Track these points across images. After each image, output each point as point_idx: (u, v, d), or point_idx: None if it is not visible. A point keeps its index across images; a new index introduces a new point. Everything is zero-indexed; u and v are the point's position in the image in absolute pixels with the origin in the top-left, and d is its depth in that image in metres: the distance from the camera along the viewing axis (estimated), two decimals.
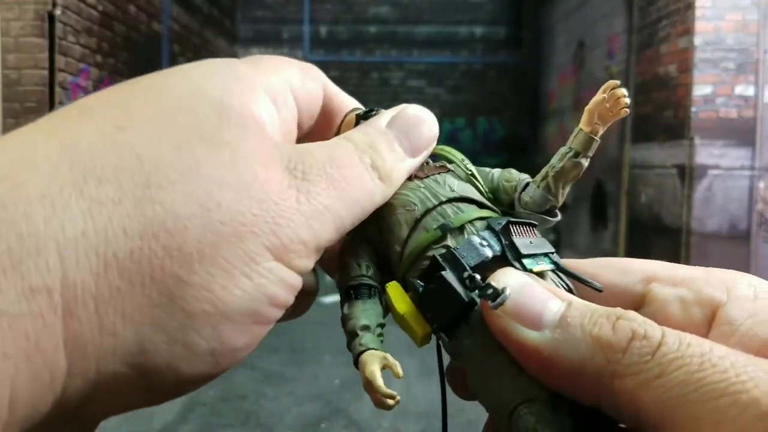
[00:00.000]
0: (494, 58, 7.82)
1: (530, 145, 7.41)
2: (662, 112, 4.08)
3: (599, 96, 0.35)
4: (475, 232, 0.32)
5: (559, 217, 0.37)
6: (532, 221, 0.33)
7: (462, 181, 0.37)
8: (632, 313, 0.23)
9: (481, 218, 0.33)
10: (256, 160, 0.24)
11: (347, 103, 0.35)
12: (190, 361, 0.23)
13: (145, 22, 5.07)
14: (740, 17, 3.70)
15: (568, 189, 0.37)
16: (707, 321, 0.26)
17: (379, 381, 0.29)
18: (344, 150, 0.28)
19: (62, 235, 0.20)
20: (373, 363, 0.31)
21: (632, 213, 4.54)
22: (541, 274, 0.30)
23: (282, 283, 0.25)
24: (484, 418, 0.30)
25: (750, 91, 3.70)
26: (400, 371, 0.30)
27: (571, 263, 0.32)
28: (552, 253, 0.31)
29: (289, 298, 0.25)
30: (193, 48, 6.22)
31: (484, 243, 0.31)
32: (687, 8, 3.78)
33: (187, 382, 0.23)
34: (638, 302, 0.28)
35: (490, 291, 0.27)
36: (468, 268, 0.30)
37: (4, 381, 0.18)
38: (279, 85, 0.30)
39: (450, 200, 0.34)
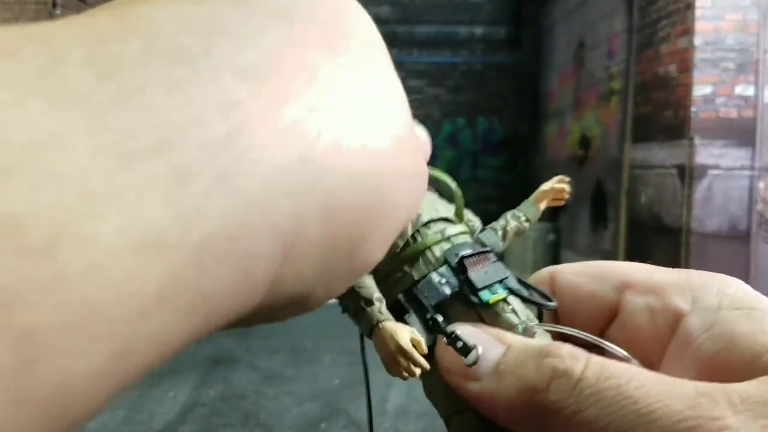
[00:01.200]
0: (494, 58, 7.82)
1: (530, 145, 7.41)
2: (662, 112, 4.08)
3: (550, 185, 0.38)
4: (437, 264, 0.33)
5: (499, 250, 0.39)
6: (486, 249, 0.34)
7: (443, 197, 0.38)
8: (562, 349, 0.23)
9: (446, 238, 0.34)
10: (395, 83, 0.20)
11: None
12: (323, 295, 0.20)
13: None
14: (740, 17, 3.70)
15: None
16: (671, 331, 0.26)
17: (412, 351, 0.31)
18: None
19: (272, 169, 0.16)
20: (404, 334, 0.32)
21: (632, 213, 4.54)
22: (499, 302, 0.31)
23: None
24: None
25: (750, 91, 3.70)
26: (425, 347, 0.32)
27: (555, 269, 0.32)
28: (506, 278, 0.33)
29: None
30: None
31: (443, 280, 0.33)
32: (687, 8, 3.78)
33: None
34: (613, 310, 0.28)
35: (459, 345, 0.28)
36: (430, 308, 0.31)
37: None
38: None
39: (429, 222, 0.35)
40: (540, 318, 0.32)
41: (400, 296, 0.33)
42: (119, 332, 0.12)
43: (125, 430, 2.60)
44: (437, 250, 0.34)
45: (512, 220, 0.38)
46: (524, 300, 0.32)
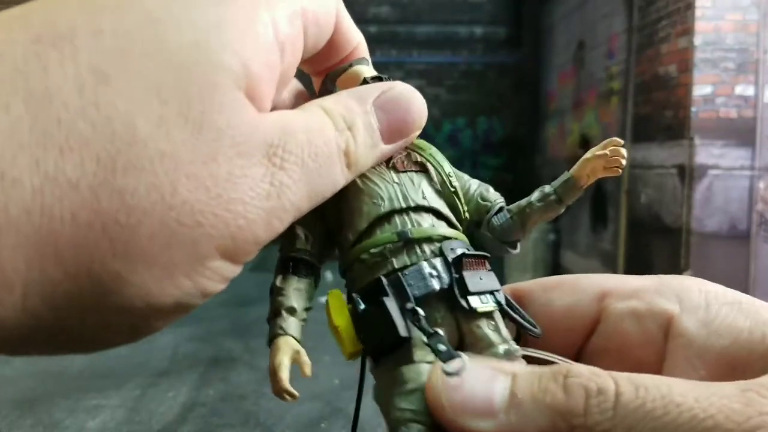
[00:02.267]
0: (494, 58, 7.82)
1: (530, 145, 7.40)
2: (662, 112, 4.08)
3: (600, 150, 0.34)
4: (428, 257, 0.31)
5: (517, 251, 0.36)
6: (485, 253, 0.32)
7: (436, 188, 0.35)
8: (577, 368, 0.22)
9: (441, 237, 0.32)
10: (238, 150, 0.22)
11: (353, 38, 0.32)
12: (105, 339, 0.22)
13: None
14: (740, 17, 3.70)
15: (533, 229, 0.36)
16: (663, 333, 0.25)
17: (284, 374, 0.29)
18: (323, 133, 0.26)
19: (4, 216, 0.18)
20: (285, 353, 0.30)
21: (632, 213, 4.54)
22: (486, 314, 0.29)
23: (222, 278, 0.24)
24: None
25: (750, 91, 3.70)
26: (309, 371, 0.30)
27: (520, 287, 0.31)
28: (497, 291, 0.30)
29: (222, 287, 0.24)
30: None
31: (434, 273, 0.30)
32: (687, 8, 3.78)
33: (100, 348, 0.23)
34: (594, 320, 0.28)
35: (441, 348, 0.26)
36: (412, 299, 0.29)
37: None
38: (289, 19, 0.25)
39: (418, 208, 0.33)
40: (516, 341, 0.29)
41: (384, 279, 0.30)
42: None
43: (125, 430, 2.60)
44: (430, 243, 0.32)
45: (536, 198, 0.36)
46: (513, 320, 0.30)
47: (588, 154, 0.35)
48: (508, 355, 0.28)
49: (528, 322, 0.29)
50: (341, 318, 0.31)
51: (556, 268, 5.69)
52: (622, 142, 0.34)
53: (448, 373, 0.24)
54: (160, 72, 0.20)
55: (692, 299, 0.25)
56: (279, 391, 0.29)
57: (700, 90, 3.70)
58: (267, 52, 0.24)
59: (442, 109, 7.77)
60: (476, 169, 7.70)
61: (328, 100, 0.28)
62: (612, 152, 0.34)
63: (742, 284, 3.51)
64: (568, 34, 6.16)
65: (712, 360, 0.23)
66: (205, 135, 0.21)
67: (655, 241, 4.09)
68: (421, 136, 0.35)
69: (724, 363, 0.23)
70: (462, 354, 0.26)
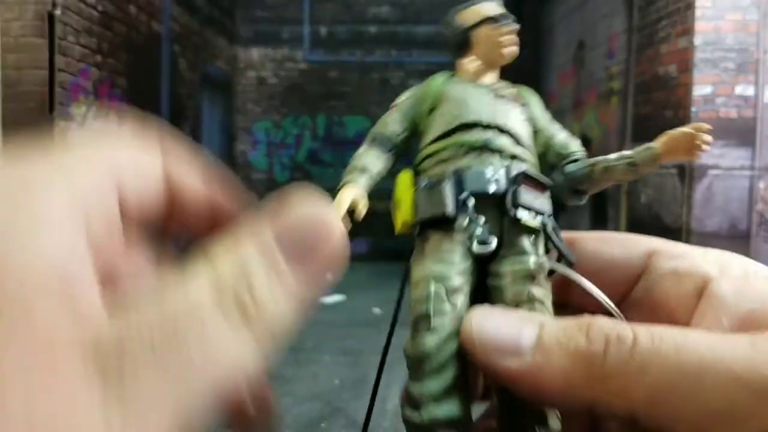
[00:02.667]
0: None
1: None
2: (662, 112, 4.08)
3: (688, 129, 0.39)
4: (497, 166, 0.35)
5: (582, 202, 0.41)
6: (547, 181, 0.36)
7: (525, 121, 0.40)
8: (600, 319, 0.24)
9: (514, 155, 0.36)
10: (45, 371, 0.15)
11: (197, 188, 0.24)
12: None
13: (145, 22, 5.08)
14: (740, 17, 3.70)
15: (603, 187, 0.41)
16: (698, 294, 0.27)
17: (342, 208, 0.37)
18: (194, 301, 0.18)
19: None
20: (347, 194, 0.38)
21: (632, 213, 4.54)
22: (528, 229, 0.33)
23: None
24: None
25: (750, 91, 3.70)
26: (362, 214, 0.37)
27: (574, 234, 0.33)
28: (548, 215, 0.34)
29: None
30: (193, 48, 6.22)
31: (493, 178, 0.34)
32: (687, 8, 3.78)
33: None
34: (638, 274, 0.30)
35: (479, 232, 0.31)
36: (467, 191, 0.34)
37: None
38: (93, 182, 0.20)
39: (501, 129, 0.37)
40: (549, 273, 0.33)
41: (452, 170, 0.35)
42: None
43: None
44: (503, 158, 0.36)
45: (614, 157, 0.42)
46: (553, 244, 0.33)
47: (674, 131, 0.38)
48: (537, 266, 0.32)
49: (566, 250, 0.32)
50: (404, 192, 0.35)
51: None
52: (709, 127, 0.39)
53: (480, 243, 0.30)
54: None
55: (732, 269, 0.27)
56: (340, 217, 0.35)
57: (700, 90, 3.70)
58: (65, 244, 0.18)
59: None
60: None
61: (211, 254, 0.19)
62: (697, 135, 0.39)
63: None
64: (568, 34, 6.16)
65: (737, 319, 0.25)
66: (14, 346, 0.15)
67: None
68: None
69: (749, 322, 0.24)
70: (492, 237, 0.31)
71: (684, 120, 3.77)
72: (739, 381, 0.21)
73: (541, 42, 7.09)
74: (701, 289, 0.27)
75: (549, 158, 0.42)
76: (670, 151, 0.40)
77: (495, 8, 0.44)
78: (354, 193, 0.37)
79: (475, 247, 0.32)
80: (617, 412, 0.23)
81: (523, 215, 0.33)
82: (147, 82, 5.13)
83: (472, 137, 0.37)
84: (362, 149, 0.40)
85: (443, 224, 0.33)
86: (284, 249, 0.19)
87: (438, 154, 0.36)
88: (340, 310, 4.26)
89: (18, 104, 3.64)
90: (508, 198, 0.33)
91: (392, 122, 0.41)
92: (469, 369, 0.29)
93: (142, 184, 0.22)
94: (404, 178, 0.36)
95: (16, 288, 0.16)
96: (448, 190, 0.33)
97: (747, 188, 3.70)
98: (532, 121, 0.41)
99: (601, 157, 0.41)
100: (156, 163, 0.23)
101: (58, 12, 3.66)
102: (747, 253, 3.67)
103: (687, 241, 3.73)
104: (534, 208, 0.34)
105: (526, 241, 0.33)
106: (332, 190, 0.42)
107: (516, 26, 0.43)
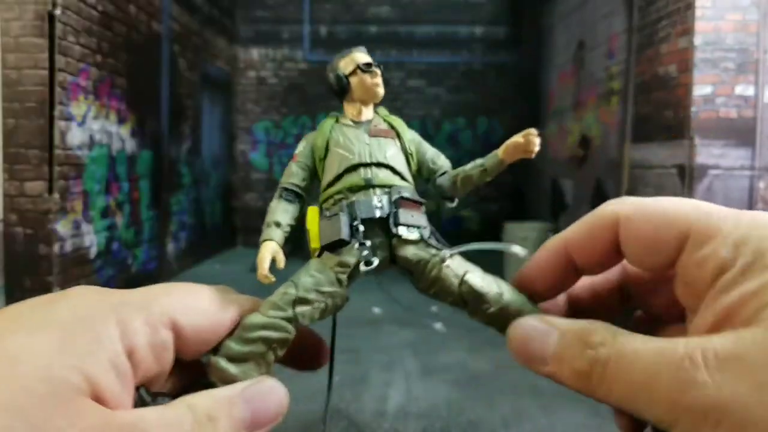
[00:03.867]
0: (494, 58, 7.82)
1: None
2: (662, 112, 4.08)
3: (517, 139, 0.53)
4: (380, 195, 0.46)
5: (454, 204, 0.54)
6: (421, 200, 0.47)
7: (398, 150, 0.51)
8: (596, 335, 0.31)
9: (392, 185, 0.47)
10: None
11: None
12: None
13: (145, 22, 5.07)
14: (740, 17, 3.70)
15: (468, 190, 0.54)
16: (713, 280, 0.29)
17: (265, 264, 0.46)
18: (180, 427, 0.29)
19: None
20: (268, 251, 0.47)
21: None
22: (412, 241, 0.44)
23: None
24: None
25: (750, 91, 3.70)
26: (282, 265, 0.46)
27: (608, 215, 0.35)
28: (424, 227, 0.45)
29: None
30: (193, 48, 6.21)
31: (378, 205, 0.45)
32: (687, 8, 3.78)
33: None
34: (675, 257, 0.32)
35: (365, 253, 0.42)
36: (358, 219, 0.44)
37: None
38: (149, 329, 0.31)
39: (380, 164, 0.49)
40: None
41: (344, 202, 0.46)
42: None
43: None
44: (383, 187, 0.47)
45: (470, 168, 0.55)
46: (427, 245, 0.44)
47: (509, 140, 0.53)
48: (443, 259, 0.42)
49: (442, 246, 0.44)
50: (313, 224, 0.46)
51: None
52: (536, 132, 0.53)
53: (366, 263, 0.42)
54: (9, 393, 0.25)
55: (746, 253, 0.28)
56: (261, 277, 0.45)
57: (700, 90, 3.70)
58: (111, 362, 0.29)
59: (442, 109, 7.77)
60: None
61: (198, 396, 0.31)
62: (526, 139, 0.53)
63: None
64: (568, 34, 6.16)
65: (723, 311, 0.28)
66: None
67: None
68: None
69: (727, 316, 0.27)
70: (375, 258, 0.42)
71: (684, 120, 3.77)
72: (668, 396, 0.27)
73: (541, 42, 7.09)
74: (717, 276, 0.29)
75: (423, 174, 0.54)
76: (509, 154, 0.54)
77: (364, 56, 0.57)
78: (271, 248, 0.48)
79: (362, 266, 0.42)
80: (613, 407, 0.31)
81: (403, 232, 0.44)
82: (147, 82, 5.13)
83: (358, 177, 0.48)
84: (274, 203, 0.51)
85: (338, 246, 0.43)
86: (244, 405, 0.32)
87: (334, 196, 0.48)
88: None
89: (18, 104, 3.64)
90: (391, 219, 0.44)
91: (294, 175, 0.53)
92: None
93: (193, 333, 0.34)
94: (312, 213, 0.47)
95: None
96: (343, 220, 0.44)
97: (747, 188, 3.70)
98: (403, 148, 0.52)
99: (460, 168, 0.54)
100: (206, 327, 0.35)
101: (58, 12, 3.66)
102: None
103: None
104: (411, 224, 0.44)
105: (418, 250, 0.44)
106: None
107: (379, 71, 0.56)
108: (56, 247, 3.70)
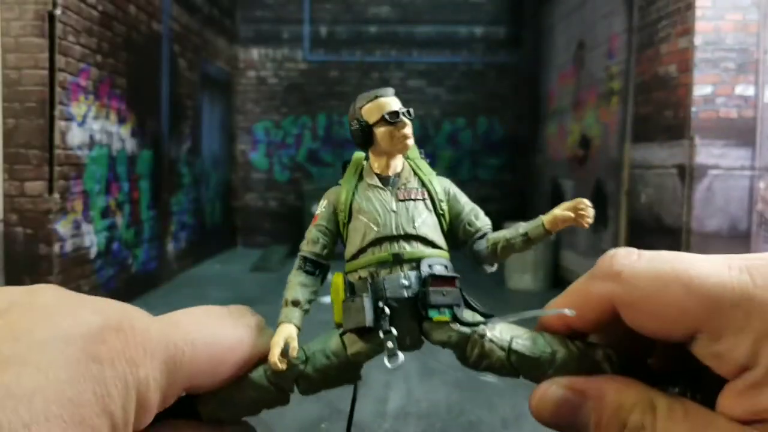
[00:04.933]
0: (494, 58, 7.82)
1: (530, 145, 7.41)
2: (662, 112, 4.08)
3: (570, 210, 0.45)
4: (407, 271, 0.42)
5: (493, 269, 0.48)
6: (454, 275, 0.42)
7: (429, 214, 0.46)
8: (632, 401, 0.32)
9: (423, 256, 0.43)
10: None
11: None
12: None
13: (145, 22, 5.07)
14: (740, 17, 3.70)
15: (506, 258, 0.48)
16: (735, 374, 0.30)
17: (276, 350, 0.40)
18: None
19: None
20: (281, 336, 0.41)
21: (632, 213, 4.54)
22: (442, 321, 0.40)
23: None
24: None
25: (750, 91, 3.70)
26: (295, 353, 0.41)
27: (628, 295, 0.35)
28: (457, 305, 0.41)
29: None
30: (193, 48, 6.21)
31: (407, 284, 0.42)
32: (687, 8, 3.78)
33: None
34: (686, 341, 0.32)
35: (389, 345, 0.39)
36: (384, 299, 0.41)
37: None
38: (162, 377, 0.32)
39: (408, 236, 0.44)
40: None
41: (369, 281, 0.42)
42: None
43: None
44: (412, 261, 0.43)
45: (510, 234, 0.47)
46: (461, 323, 0.41)
47: (558, 210, 0.46)
48: (482, 335, 0.40)
49: (480, 320, 0.41)
50: (337, 295, 0.43)
51: (555, 268, 5.69)
52: (588, 203, 0.46)
53: (389, 366, 0.38)
54: None
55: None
56: (272, 363, 0.40)
57: (700, 90, 3.70)
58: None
59: (442, 109, 7.77)
60: (476, 169, 7.70)
61: None
62: (577, 214, 0.46)
63: None
64: (568, 34, 6.16)
65: (752, 407, 0.29)
66: None
67: (656, 241, 4.09)
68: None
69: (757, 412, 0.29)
70: (400, 354, 0.39)
71: (684, 120, 3.77)
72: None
73: (541, 42, 7.09)
74: (738, 371, 0.29)
75: (458, 236, 0.48)
76: (556, 226, 0.47)
77: (391, 103, 0.50)
78: (287, 333, 0.42)
79: (386, 361, 0.40)
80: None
81: (433, 314, 0.40)
82: (147, 82, 5.13)
83: (384, 252, 0.43)
84: (293, 274, 0.46)
85: (364, 332, 0.41)
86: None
87: (357, 271, 0.44)
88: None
89: (18, 104, 3.64)
90: (419, 302, 0.41)
91: (315, 243, 0.47)
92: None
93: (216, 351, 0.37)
94: (337, 280, 0.44)
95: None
96: (367, 305, 0.41)
97: (747, 188, 3.70)
98: (435, 208, 0.47)
99: (500, 235, 0.47)
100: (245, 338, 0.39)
101: (58, 12, 3.66)
102: (747, 252, 3.66)
103: (687, 241, 3.73)
104: (443, 304, 0.41)
105: (447, 331, 0.41)
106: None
107: (409, 122, 0.48)
108: (56, 247, 3.70)
